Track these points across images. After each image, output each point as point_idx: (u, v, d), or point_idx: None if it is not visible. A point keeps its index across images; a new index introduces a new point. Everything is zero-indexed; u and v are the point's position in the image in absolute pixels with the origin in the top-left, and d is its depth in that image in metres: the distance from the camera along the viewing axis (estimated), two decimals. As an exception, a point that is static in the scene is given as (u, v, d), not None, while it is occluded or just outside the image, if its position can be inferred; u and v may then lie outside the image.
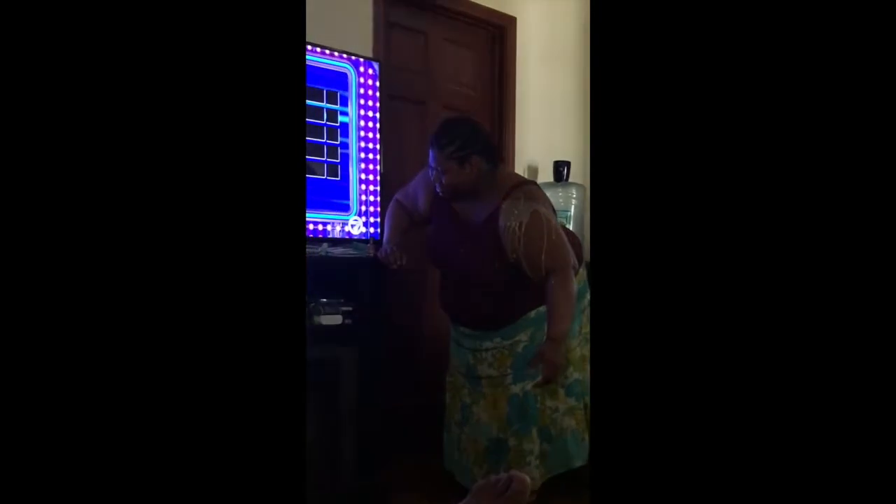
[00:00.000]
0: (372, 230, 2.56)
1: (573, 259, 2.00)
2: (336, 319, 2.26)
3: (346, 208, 2.53)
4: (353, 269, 2.36)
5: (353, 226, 2.51)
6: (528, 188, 2.02)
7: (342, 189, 2.52)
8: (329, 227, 2.48)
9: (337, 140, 2.50)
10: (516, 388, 2.06)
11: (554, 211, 2.07)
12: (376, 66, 2.59)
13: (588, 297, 2.20)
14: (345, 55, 2.52)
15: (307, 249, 2.30)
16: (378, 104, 2.58)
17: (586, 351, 2.13)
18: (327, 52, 2.47)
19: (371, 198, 2.57)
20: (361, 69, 2.55)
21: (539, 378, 1.97)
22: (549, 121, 3.71)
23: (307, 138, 2.40)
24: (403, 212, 2.19)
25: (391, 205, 2.22)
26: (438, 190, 2.01)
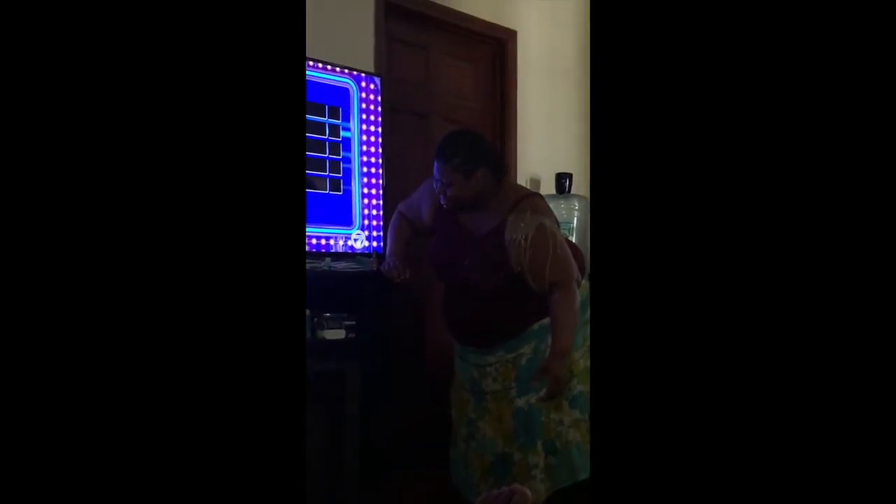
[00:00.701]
0: (375, 244, 2.56)
1: (577, 273, 2.01)
2: (339, 334, 2.27)
3: (348, 223, 2.53)
4: (357, 284, 2.36)
5: (355, 240, 2.52)
6: (533, 201, 2.03)
7: (345, 203, 2.53)
8: (332, 242, 2.48)
9: (339, 155, 2.51)
10: (521, 402, 2.06)
11: (558, 223, 2.08)
12: (378, 80, 2.60)
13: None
14: (346, 70, 2.53)
15: (310, 264, 2.31)
16: (380, 119, 2.60)
17: (589, 363, 2.13)
18: (328, 67, 2.49)
19: (373, 212, 2.58)
20: (363, 84, 2.56)
21: (543, 392, 1.97)
22: (551, 133, 3.72)
23: (309, 153, 2.41)
24: (406, 223, 2.20)
25: (394, 217, 2.23)
26: (443, 202, 2.02)
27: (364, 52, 2.87)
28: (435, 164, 1.98)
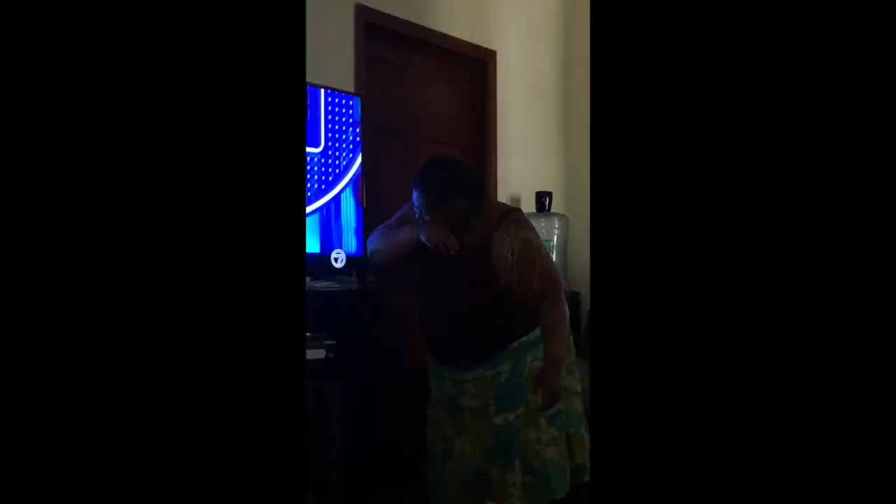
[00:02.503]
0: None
1: (564, 284, 2.05)
2: (319, 353, 2.26)
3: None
4: (337, 303, 2.36)
5: (335, 259, 2.52)
6: (515, 216, 2.07)
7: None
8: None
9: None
10: (499, 420, 2.06)
11: (538, 236, 2.12)
12: (357, 100, 2.62)
13: (568, 327, 2.22)
14: (327, 90, 2.54)
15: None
16: (360, 138, 2.61)
17: (567, 382, 2.14)
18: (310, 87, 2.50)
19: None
20: (343, 104, 2.57)
21: (536, 403, 2.00)
22: (531, 152, 3.75)
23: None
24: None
25: (380, 229, 2.19)
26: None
27: (344, 72, 2.89)
28: (413, 193, 1.99)
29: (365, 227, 2.58)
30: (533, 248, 1.99)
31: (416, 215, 2.02)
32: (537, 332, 2.06)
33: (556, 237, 3.55)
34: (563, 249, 3.58)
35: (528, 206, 3.59)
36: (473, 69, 3.53)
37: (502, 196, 3.56)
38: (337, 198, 2.55)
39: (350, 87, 2.83)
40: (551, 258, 2.08)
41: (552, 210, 3.60)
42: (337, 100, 2.55)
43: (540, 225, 3.47)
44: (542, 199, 3.57)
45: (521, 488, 2.05)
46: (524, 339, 2.06)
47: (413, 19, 3.16)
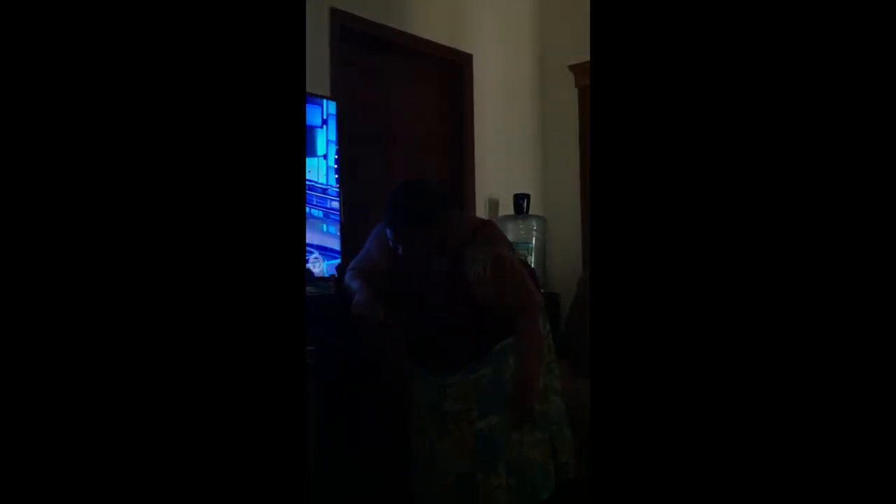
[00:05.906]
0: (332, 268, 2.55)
1: (539, 297, 2.06)
2: (299, 359, 2.24)
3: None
4: (314, 308, 2.34)
5: (313, 264, 2.50)
6: (487, 231, 2.06)
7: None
8: (289, 267, 2.46)
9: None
10: (482, 424, 2.07)
11: (512, 248, 2.11)
12: (333, 104, 2.60)
13: (547, 327, 2.22)
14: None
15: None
16: (336, 143, 2.59)
17: (549, 381, 2.15)
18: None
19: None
20: (319, 108, 2.56)
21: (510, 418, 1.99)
22: (508, 154, 3.76)
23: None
24: (361, 275, 2.16)
25: (346, 275, 2.19)
26: (402, 253, 2.01)
27: (320, 77, 2.87)
28: (389, 229, 1.97)
29: (342, 232, 2.56)
30: (505, 265, 1.98)
31: (392, 244, 2.00)
32: (519, 334, 2.06)
33: (534, 239, 3.56)
34: (542, 251, 3.59)
35: (506, 208, 3.60)
36: (450, 72, 3.53)
37: (480, 198, 3.57)
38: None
39: (326, 92, 2.82)
40: (523, 272, 2.05)
41: (530, 212, 3.61)
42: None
43: (518, 227, 3.48)
44: (520, 201, 3.57)
45: (506, 491, 2.05)
46: (505, 342, 2.06)
47: (389, 23, 3.15)
